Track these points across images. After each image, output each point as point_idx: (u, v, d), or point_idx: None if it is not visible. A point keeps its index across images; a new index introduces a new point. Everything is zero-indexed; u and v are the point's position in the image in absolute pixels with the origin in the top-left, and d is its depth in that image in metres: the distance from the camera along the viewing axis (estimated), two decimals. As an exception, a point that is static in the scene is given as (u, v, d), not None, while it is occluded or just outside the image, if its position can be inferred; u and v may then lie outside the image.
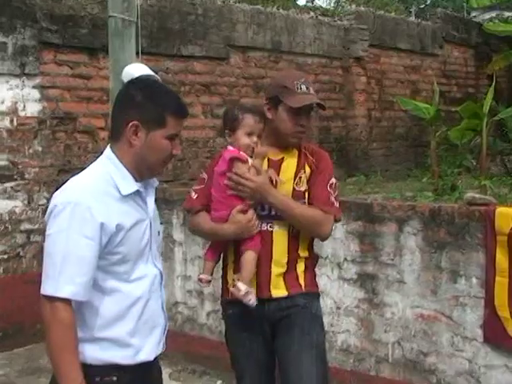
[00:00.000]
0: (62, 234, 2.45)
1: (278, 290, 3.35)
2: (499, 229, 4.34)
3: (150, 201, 2.69)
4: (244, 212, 3.28)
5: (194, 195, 3.48)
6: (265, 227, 3.33)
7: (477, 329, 4.48)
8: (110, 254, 2.52)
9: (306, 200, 3.38)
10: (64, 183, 2.61)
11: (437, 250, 4.62)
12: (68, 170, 6.84)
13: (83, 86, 7.02)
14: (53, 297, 2.43)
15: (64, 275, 2.42)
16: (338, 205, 3.43)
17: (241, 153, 3.28)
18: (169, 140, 2.60)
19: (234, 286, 3.25)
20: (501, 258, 4.36)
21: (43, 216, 6.67)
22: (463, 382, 4.56)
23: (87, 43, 6.97)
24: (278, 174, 3.36)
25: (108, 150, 2.63)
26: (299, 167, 3.40)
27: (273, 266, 3.33)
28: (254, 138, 3.29)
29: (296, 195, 3.35)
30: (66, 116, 6.89)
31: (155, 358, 2.71)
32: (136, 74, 5.09)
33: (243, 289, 3.21)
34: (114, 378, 2.56)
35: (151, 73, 5.21)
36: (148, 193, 2.69)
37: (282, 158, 3.41)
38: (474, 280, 4.49)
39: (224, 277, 3.47)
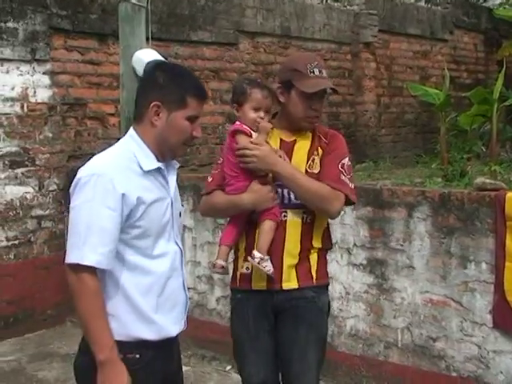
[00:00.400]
0: (86, 204, 2.53)
1: (290, 283, 3.33)
2: (509, 214, 4.33)
3: (172, 180, 2.76)
4: (263, 183, 3.26)
5: (209, 179, 3.47)
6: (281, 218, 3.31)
7: (486, 314, 4.49)
8: (131, 228, 2.59)
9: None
10: (74, 169, 2.65)
11: (446, 236, 4.62)
12: (78, 156, 6.87)
13: (93, 72, 7.02)
14: (78, 265, 2.50)
15: (88, 244, 2.50)
16: (351, 186, 3.37)
17: (244, 126, 3.26)
18: (189, 122, 2.68)
19: (251, 255, 3.24)
20: (511, 244, 4.35)
21: (54, 202, 6.72)
22: (472, 367, 4.57)
23: (97, 29, 6.97)
24: (291, 156, 3.33)
25: (131, 130, 2.74)
26: (312, 149, 3.37)
27: (285, 257, 3.30)
28: (261, 113, 3.26)
29: (309, 177, 3.32)
30: (76, 102, 6.90)
31: (176, 336, 2.77)
32: (146, 60, 5.13)
33: (257, 256, 3.21)
34: (137, 356, 2.62)
35: (161, 58, 5.22)
36: (169, 173, 2.76)
37: (295, 140, 3.38)
38: (484, 265, 4.49)
39: (235, 264, 3.46)
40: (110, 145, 2.79)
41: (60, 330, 6.55)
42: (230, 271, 3.49)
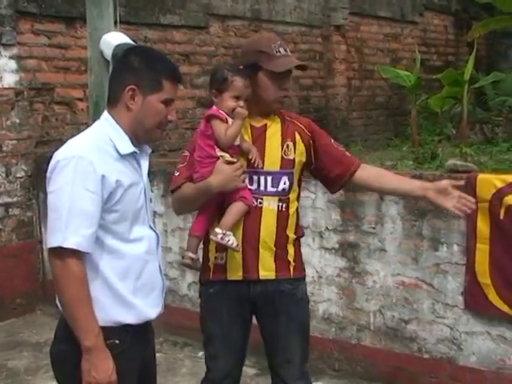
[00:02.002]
0: (67, 187, 2.50)
1: (267, 272, 3.26)
2: (480, 196, 4.32)
3: (145, 166, 2.75)
4: (230, 163, 3.17)
5: (176, 174, 3.35)
6: (254, 203, 3.23)
7: (458, 296, 4.50)
8: (109, 212, 2.57)
9: (295, 169, 3.30)
10: (43, 155, 2.60)
11: (418, 218, 4.62)
12: (46, 141, 6.76)
13: (61, 56, 6.92)
14: (62, 250, 2.47)
15: (70, 227, 2.47)
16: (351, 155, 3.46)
17: (220, 111, 3.17)
18: (165, 105, 2.66)
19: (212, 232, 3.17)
20: (482, 225, 4.36)
21: (22, 189, 6.61)
22: (444, 348, 4.58)
23: (64, 12, 6.85)
24: (264, 142, 3.26)
25: (106, 114, 2.70)
26: (285, 134, 3.30)
27: (261, 245, 3.24)
28: (241, 103, 3.18)
29: (284, 164, 3.26)
30: (44, 87, 6.79)
31: (151, 321, 2.78)
32: (115, 43, 5.05)
33: (219, 231, 3.13)
34: (117, 341, 2.60)
35: (130, 41, 5.15)
36: (142, 158, 2.74)
37: (265, 125, 3.30)
38: (456, 247, 4.49)
39: (205, 256, 3.36)
40: (79, 130, 2.77)
41: (30, 319, 6.47)
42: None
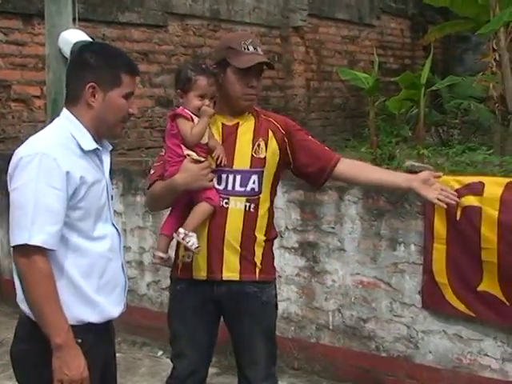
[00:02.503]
0: (31, 184, 2.48)
1: (230, 273, 3.26)
2: (438, 197, 4.41)
3: (106, 162, 2.75)
4: (196, 162, 3.19)
5: (151, 172, 3.39)
6: (220, 203, 3.23)
7: (415, 295, 4.57)
8: (73, 209, 2.56)
9: (267, 168, 3.29)
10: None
11: (377, 218, 4.68)
12: (2, 139, 6.69)
13: (18, 53, 6.88)
14: (27, 248, 2.45)
15: (36, 224, 2.45)
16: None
17: (185, 110, 3.19)
18: (125, 99, 2.67)
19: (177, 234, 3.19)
20: (439, 225, 4.44)
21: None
22: (402, 347, 4.65)
23: (22, 9, 6.82)
24: (235, 141, 3.26)
25: (66, 111, 2.69)
26: (257, 133, 3.30)
27: (225, 245, 3.24)
28: (207, 101, 3.19)
29: (254, 163, 3.26)
30: (0, 84, 6.73)
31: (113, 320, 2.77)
32: (73, 40, 5.03)
33: (181, 231, 3.15)
34: (80, 340, 2.57)
35: (88, 39, 5.12)
36: (104, 155, 2.75)
37: (237, 124, 3.30)
38: (413, 247, 4.57)
39: (176, 253, 3.38)
40: (36, 128, 2.75)
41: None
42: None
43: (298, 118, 10.07)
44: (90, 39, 5.23)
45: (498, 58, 7.72)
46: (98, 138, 2.69)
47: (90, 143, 2.65)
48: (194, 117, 3.19)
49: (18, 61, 6.87)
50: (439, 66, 12.70)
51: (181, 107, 3.22)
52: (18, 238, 2.48)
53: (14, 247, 2.50)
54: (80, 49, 2.79)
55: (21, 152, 2.56)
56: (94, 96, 2.63)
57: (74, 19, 5.35)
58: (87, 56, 2.68)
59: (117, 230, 2.77)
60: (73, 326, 2.56)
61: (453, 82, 8.17)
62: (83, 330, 2.59)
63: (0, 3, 6.66)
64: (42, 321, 2.50)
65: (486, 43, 10.53)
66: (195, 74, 3.17)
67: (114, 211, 5.77)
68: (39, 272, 2.46)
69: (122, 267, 2.78)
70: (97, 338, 2.65)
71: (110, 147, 2.81)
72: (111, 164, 2.82)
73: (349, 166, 3.39)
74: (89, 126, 2.66)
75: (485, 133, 9.03)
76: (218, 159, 3.20)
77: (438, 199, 3.26)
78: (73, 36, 5.10)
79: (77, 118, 2.66)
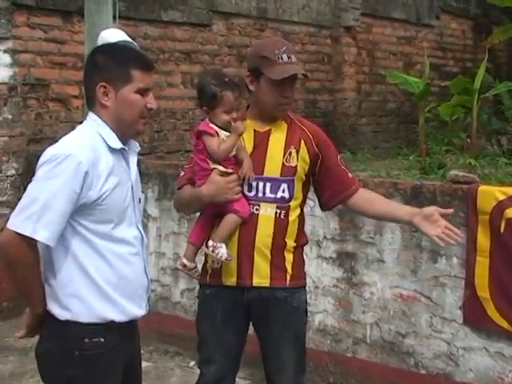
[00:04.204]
0: (50, 181, 2.69)
1: (261, 279, 3.45)
2: (481, 208, 4.56)
3: (133, 164, 2.94)
4: (224, 175, 3.38)
5: (181, 174, 3.63)
6: (250, 211, 3.43)
7: (456, 310, 4.71)
8: (94, 210, 2.76)
9: (297, 177, 3.48)
10: (35, 153, 2.83)
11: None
12: (39, 139, 6.96)
13: (57, 51, 7.12)
14: (25, 236, 2.68)
15: (43, 220, 2.67)
16: (353, 174, 3.67)
17: (210, 125, 3.38)
18: (140, 94, 2.84)
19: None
20: (482, 238, 4.58)
21: (12, 188, 6.82)
22: (441, 364, 4.80)
23: (62, 6, 7.07)
24: (266, 148, 3.46)
25: (91, 113, 2.89)
26: (289, 141, 3.49)
27: (256, 252, 3.43)
28: (234, 114, 3.38)
29: (285, 171, 3.45)
30: (38, 82, 7.00)
31: (136, 322, 2.99)
32: (112, 40, 5.25)
33: (210, 244, 3.37)
34: (102, 340, 2.81)
35: (128, 39, 5.36)
36: (130, 156, 2.94)
37: (269, 130, 3.49)
38: (455, 260, 4.71)
39: (205, 258, 3.57)
40: (73, 128, 2.93)
41: (17, 323, 6.61)
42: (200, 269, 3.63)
43: (348, 123, 10.20)
44: (130, 39, 5.46)
45: None
46: (122, 137, 2.87)
47: (116, 142, 2.84)
48: (219, 131, 3.37)
49: (56, 59, 7.13)
50: (503, 70, 12.70)
51: (205, 122, 3.42)
52: (20, 227, 2.68)
53: (11, 230, 2.69)
54: (91, 52, 3.00)
55: (50, 151, 2.77)
56: (107, 95, 2.82)
57: (114, 17, 5.60)
58: (96, 57, 2.89)
59: (141, 233, 2.96)
60: (96, 325, 2.80)
61: (510, 87, 8.19)
62: (106, 329, 2.82)
63: (40, 0, 6.93)
64: (25, 296, 2.86)
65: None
66: (221, 90, 3.34)
67: (149, 216, 6.10)
68: (25, 259, 2.71)
69: (145, 270, 2.97)
70: (120, 337, 2.86)
71: (138, 148, 3.01)
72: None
73: (362, 199, 3.61)
74: (111, 125, 2.85)
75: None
76: (242, 175, 3.40)
77: (439, 237, 3.34)
78: (112, 35, 5.31)
79: (100, 118, 2.86)
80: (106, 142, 2.82)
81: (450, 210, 3.57)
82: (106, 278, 2.81)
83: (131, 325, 2.95)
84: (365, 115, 10.58)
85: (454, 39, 12.44)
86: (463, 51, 12.68)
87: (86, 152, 2.74)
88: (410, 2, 11.31)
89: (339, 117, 10.16)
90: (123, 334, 2.89)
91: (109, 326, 2.83)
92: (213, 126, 3.39)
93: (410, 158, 7.05)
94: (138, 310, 2.94)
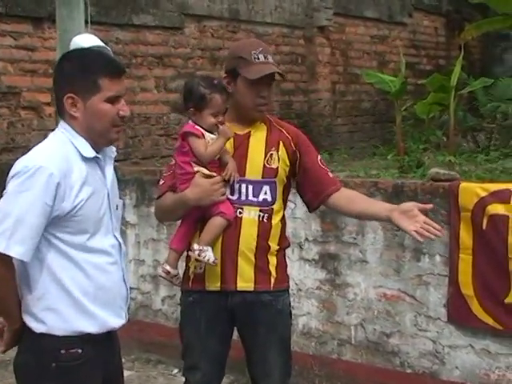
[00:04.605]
0: (22, 195, 2.67)
1: (245, 283, 3.48)
2: (463, 205, 4.61)
3: (109, 171, 2.91)
4: (208, 177, 3.42)
5: (161, 182, 3.64)
6: (234, 215, 3.45)
7: (440, 308, 4.77)
8: (68, 222, 2.74)
9: (279, 178, 3.52)
10: (8, 163, 2.80)
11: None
12: (11, 148, 6.91)
13: (27, 58, 7.10)
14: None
15: (16, 236, 2.66)
16: (333, 175, 3.69)
17: (195, 127, 3.41)
18: (110, 103, 2.79)
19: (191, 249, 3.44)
20: (465, 235, 4.63)
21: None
22: (427, 363, 4.84)
23: (32, 12, 7.04)
24: (247, 150, 3.50)
25: (62, 122, 2.84)
26: (269, 143, 3.53)
27: (239, 255, 3.46)
28: (220, 118, 3.42)
29: (267, 173, 3.49)
30: (9, 90, 6.96)
31: (115, 332, 2.97)
32: (85, 45, 5.26)
33: (196, 248, 3.39)
34: (79, 351, 2.80)
35: (101, 43, 5.37)
36: (106, 163, 2.90)
37: (249, 133, 3.53)
38: (438, 258, 4.77)
39: (186, 264, 3.60)
40: (46, 137, 2.90)
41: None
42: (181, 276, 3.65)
43: (323, 124, 10.26)
44: (103, 44, 5.46)
45: (540, 57, 7.75)
46: (95, 145, 2.82)
47: (89, 151, 2.80)
48: (205, 133, 3.41)
49: (27, 66, 7.10)
50: (477, 67, 12.84)
51: (190, 123, 3.45)
52: None
53: None
54: (59, 59, 2.96)
55: (20, 163, 2.73)
56: (76, 106, 2.77)
57: (86, 22, 5.60)
58: (63, 66, 2.84)
59: (118, 241, 2.94)
60: (72, 337, 2.79)
61: (485, 84, 8.28)
62: (83, 341, 2.81)
63: (9, 6, 6.90)
64: (3, 314, 2.85)
65: (528, 41, 10.69)
66: (210, 92, 3.38)
67: (127, 222, 6.09)
68: (5, 273, 2.72)
69: (124, 279, 2.95)
70: (98, 349, 2.85)
71: (114, 154, 2.97)
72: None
73: (342, 198, 3.60)
74: (83, 135, 2.80)
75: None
76: (226, 177, 3.43)
77: (417, 232, 3.28)
78: (85, 41, 5.32)
79: (71, 127, 2.81)
80: (79, 151, 2.78)
81: (429, 206, 3.56)
82: (82, 289, 2.79)
83: (110, 335, 2.94)
84: (340, 115, 10.64)
85: (426, 37, 12.56)
86: (436, 48, 12.80)
87: (58, 162, 2.71)
88: (382, 1, 11.42)
89: (314, 118, 10.20)
90: (101, 345, 2.87)
91: (85, 338, 2.82)
92: (198, 127, 3.42)
93: (389, 157, 7.12)
94: (116, 321, 2.92)
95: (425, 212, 3.40)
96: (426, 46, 12.54)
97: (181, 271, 3.63)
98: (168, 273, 3.57)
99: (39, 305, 2.77)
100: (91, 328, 2.82)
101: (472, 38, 11.34)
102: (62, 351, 2.77)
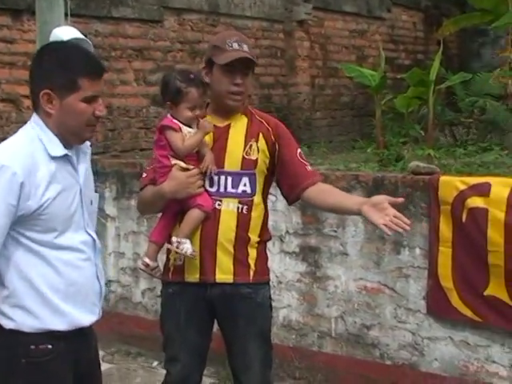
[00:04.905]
0: None
1: (224, 275, 3.50)
2: (443, 198, 4.65)
3: (82, 167, 2.87)
4: (184, 170, 3.45)
5: (144, 175, 3.68)
6: (213, 207, 3.48)
7: (420, 300, 4.81)
8: (35, 220, 2.70)
9: (258, 170, 3.53)
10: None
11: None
12: (-11, 141, 6.89)
13: (6, 51, 7.03)
14: None
15: None
16: (312, 168, 3.67)
17: (173, 121, 3.44)
18: (87, 102, 2.74)
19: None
20: (444, 228, 4.68)
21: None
22: (406, 354, 4.89)
23: (11, 4, 6.98)
24: (226, 142, 3.51)
25: (35, 116, 2.78)
26: (249, 134, 3.54)
27: (218, 247, 3.48)
28: (197, 111, 3.45)
29: (246, 164, 3.51)
30: (-13, 83, 6.94)
31: (90, 326, 2.94)
32: (65, 38, 5.24)
33: (174, 240, 3.42)
34: (50, 346, 2.78)
35: (81, 36, 5.35)
36: (79, 159, 2.87)
37: (229, 124, 3.55)
38: (418, 251, 4.81)
39: (167, 256, 3.62)
40: None
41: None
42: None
43: (302, 117, 10.27)
44: (83, 36, 5.44)
45: (516, 52, 7.77)
46: (66, 143, 2.77)
47: (57, 149, 2.74)
48: (182, 127, 3.44)
49: (6, 59, 7.04)
50: (455, 62, 12.90)
51: (168, 117, 3.48)
52: None
53: None
54: (38, 51, 2.90)
55: None
56: (51, 102, 2.70)
57: (65, 15, 5.58)
58: (42, 59, 2.77)
59: (92, 237, 2.91)
60: (42, 334, 2.77)
61: (464, 78, 8.35)
62: (52, 337, 2.79)
63: (-13, -2, 6.87)
64: None
65: (505, 37, 10.74)
66: (186, 86, 3.41)
67: (107, 215, 6.09)
68: None
69: (97, 275, 2.92)
70: (69, 344, 2.83)
71: (89, 149, 2.94)
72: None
73: (316, 192, 3.59)
74: (55, 131, 2.74)
75: (502, 132, 9.19)
76: (203, 169, 3.45)
77: (388, 225, 3.27)
78: (64, 33, 5.30)
79: (43, 122, 2.75)
80: (46, 149, 2.72)
81: (401, 199, 3.54)
82: (52, 287, 2.77)
83: (82, 331, 2.90)
84: (319, 109, 10.66)
85: (405, 31, 12.60)
86: (414, 43, 12.85)
87: (22, 161, 2.66)
88: (361, -5, 11.44)
89: (294, 111, 10.21)
90: (72, 340, 2.85)
91: (56, 334, 2.80)
92: (176, 121, 3.45)
93: (368, 151, 7.16)
94: (88, 318, 2.90)
95: (397, 207, 3.38)
96: (405, 41, 12.58)
97: (162, 264, 3.65)
98: (147, 265, 3.61)
99: (7, 302, 2.75)
100: (60, 325, 2.80)
101: (450, 33, 11.43)
102: (32, 347, 2.76)
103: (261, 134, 3.56)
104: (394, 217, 3.28)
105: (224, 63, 3.44)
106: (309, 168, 3.64)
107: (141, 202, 3.74)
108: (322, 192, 3.60)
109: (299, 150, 3.67)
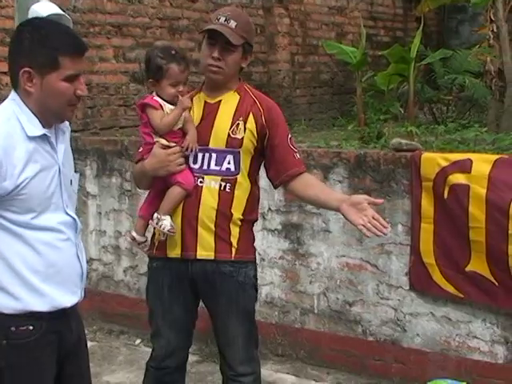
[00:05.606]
0: None
1: (205, 252, 3.50)
2: (425, 175, 4.68)
3: (61, 147, 2.81)
4: (165, 148, 3.45)
5: (140, 150, 3.66)
6: (195, 181, 3.48)
7: (402, 276, 4.85)
8: (12, 201, 2.65)
9: (244, 149, 3.49)
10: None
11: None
12: (-33, 119, 6.82)
13: (-17, 27, 6.99)
14: None
15: None
16: (300, 156, 3.66)
17: (154, 98, 3.43)
18: (68, 82, 2.68)
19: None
20: (426, 205, 4.71)
21: None
22: (389, 330, 4.93)
23: (-13, -21, 6.93)
24: (214, 120, 3.49)
25: (13, 94, 2.73)
26: (238, 113, 3.51)
27: (199, 224, 3.48)
28: (180, 87, 3.43)
29: (231, 143, 3.47)
30: (-36, 60, 6.86)
31: (73, 307, 2.90)
32: (44, 14, 5.19)
33: (155, 217, 3.45)
34: (31, 327, 2.75)
35: (60, 12, 5.30)
36: (58, 138, 2.82)
37: (220, 102, 3.53)
38: (400, 227, 4.84)
39: (153, 231, 3.62)
40: None
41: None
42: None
43: (283, 94, 10.24)
44: (62, 12, 5.39)
45: (495, 29, 7.64)
46: (45, 122, 2.72)
47: (35, 129, 2.69)
48: (164, 104, 3.43)
49: (-17, 35, 7.00)
50: (433, 39, 12.91)
51: (150, 95, 3.48)
52: None
53: None
54: (18, 28, 2.81)
55: None
56: (32, 81, 2.64)
57: (43, -10, 5.51)
58: (22, 37, 2.68)
59: (72, 217, 2.86)
60: (22, 315, 2.73)
61: (444, 55, 8.37)
62: (34, 318, 2.75)
63: (-37, -27, 6.78)
64: None
65: (484, 14, 10.75)
66: (166, 63, 3.39)
67: (88, 193, 6.06)
68: None
69: (78, 255, 2.88)
70: (50, 325, 2.79)
71: (68, 129, 2.89)
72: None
73: (301, 183, 3.59)
74: (34, 110, 2.69)
75: (481, 109, 9.24)
76: (184, 146, 3.45)
77: (367, 227, 3.29)
78: (43, 9, 5.24)
79: (22, 100, 2.68)
80: (24, 129, 2.66)
81: (380, 201, 3.56)
82: (32, 268, 2.73)
83: (65, 312, 2.86)
84: (299, 87, 10.63)
85: (384, 8, 12.58)
86: (393, 20, 12.83)
87: None
88: (340, -29, 11.39)
89: (274, 89, 10.17)
90: (54, 321, 2.81)
91: (37, 316, 2.76)
92: (158, 99, 3.45)
93: (349, 128, 7.17)
94: (69, 299, 2.86)
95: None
96: (384, 18, 12.55)
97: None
98: (134, 239, 3.64)
99: None
100: (41, 307, 2.76)
101: (429, 10, 11.45)
102: (13, 328, 2.72)
103: (251, 114, 3.51)
104: (373, 218, 3.30)
105: (200, 32, 3.50)
106: (297, 156, 3.61)
107: (133, 176, 3.85)
108: (305, 183, 3.60)
109: (290, 136, 3.62)
